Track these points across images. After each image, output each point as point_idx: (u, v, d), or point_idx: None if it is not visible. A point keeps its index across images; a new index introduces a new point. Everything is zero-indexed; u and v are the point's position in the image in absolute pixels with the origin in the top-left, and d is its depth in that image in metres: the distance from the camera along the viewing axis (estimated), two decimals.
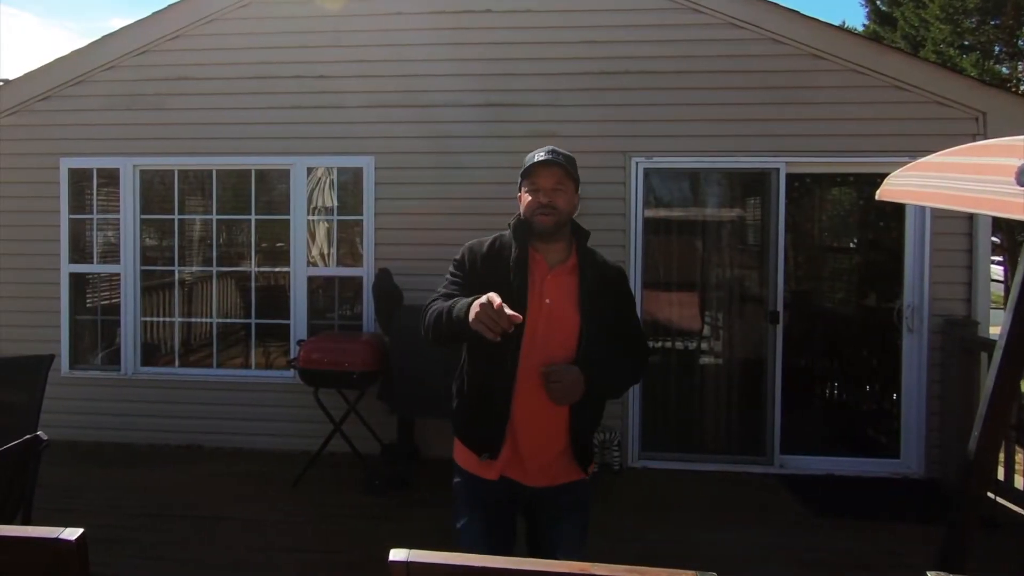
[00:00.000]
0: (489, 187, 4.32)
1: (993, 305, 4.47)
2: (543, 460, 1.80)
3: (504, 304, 1.52)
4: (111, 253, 4.83)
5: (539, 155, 1.81)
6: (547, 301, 1.77)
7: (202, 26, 4.63)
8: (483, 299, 1.55)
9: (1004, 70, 12.77)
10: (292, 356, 4.40)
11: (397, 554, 0.94)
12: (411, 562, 0.93)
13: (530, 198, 1.83)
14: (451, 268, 1.90)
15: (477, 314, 1.54)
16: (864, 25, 16.79)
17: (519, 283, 1.77)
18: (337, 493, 3.89)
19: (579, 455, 1.84)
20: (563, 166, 1.80)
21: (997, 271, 12.19)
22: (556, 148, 1.84)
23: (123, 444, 4.66)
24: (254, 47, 4.60)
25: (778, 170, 4.31)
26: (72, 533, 0.93)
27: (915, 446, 4.25)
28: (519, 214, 1.87)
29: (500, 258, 1.83)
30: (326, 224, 4.69)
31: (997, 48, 12.58)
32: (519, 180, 1.87)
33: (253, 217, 4.73)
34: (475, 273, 1.84)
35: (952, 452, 4.00)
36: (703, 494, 3.97)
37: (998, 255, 12.22)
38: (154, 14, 4.66)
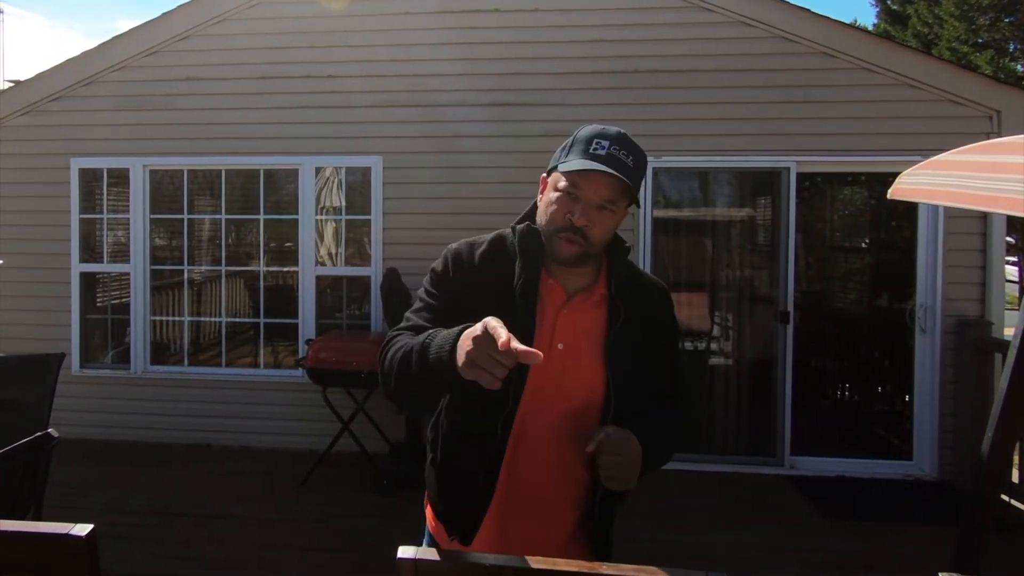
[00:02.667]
0: (497, 187, 4.32)
1: (1007, 306, 4.42)
2: (543, 549, 1.22)
3: (512, 336, 0.96)
4: (121, 252, 4.86)
5: (599, 146, 1.18)
6: (559, 346, 1.24)
7: (211, 26, 4.65)
8: (477, 330, 1.00)
9: (1019, 68, 12.62)
10: (300, 355, 4.42)
11: (405, 552, 0.93)
12: (419, 560, 0.93)
13: (557, 206, 1.23)
14: (427, 284, 1.33)
15: (469, 353, 0.99)
16: (875, 25, 16.65)
17: (525, 318, 1.21)
18: (345, 492, 3.89)
19: (596, 541, 1.30)
20: (626, 180, 1.18)
21: (1011, 271, 12.07)
22: (627, 137, 1.21)
23: (132, 442, 4.69)
24: (262, 47, 4.62)
25: (788, 169, 4.27)
26: (82, 529, 0.93)
27: (928, 448, 4.20)
28: (526, 217, 1.33)
29: (499, 275, 1.27)
30: (334, 224, 4.70)
31: (1012, 46, 12.44)
32: (553, 164, 1.27)
33: (262, 217, 4.74)
34: (463, 291, 1.27)
35: (965, 454, 3.95)
36: (712, 495, 3.95)
37: (1012, 255, 12.09)
38: (163, 15, 4.69)
